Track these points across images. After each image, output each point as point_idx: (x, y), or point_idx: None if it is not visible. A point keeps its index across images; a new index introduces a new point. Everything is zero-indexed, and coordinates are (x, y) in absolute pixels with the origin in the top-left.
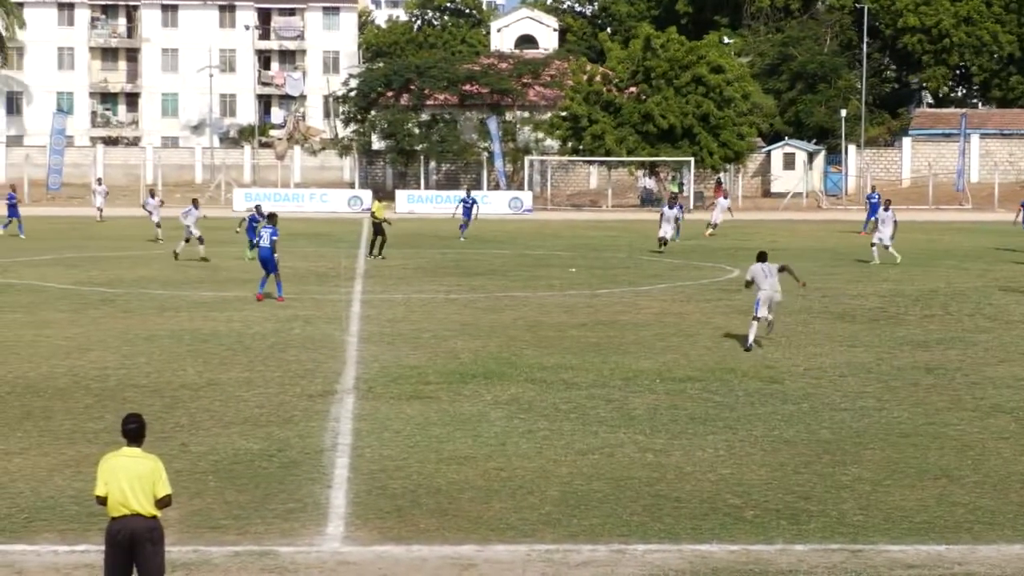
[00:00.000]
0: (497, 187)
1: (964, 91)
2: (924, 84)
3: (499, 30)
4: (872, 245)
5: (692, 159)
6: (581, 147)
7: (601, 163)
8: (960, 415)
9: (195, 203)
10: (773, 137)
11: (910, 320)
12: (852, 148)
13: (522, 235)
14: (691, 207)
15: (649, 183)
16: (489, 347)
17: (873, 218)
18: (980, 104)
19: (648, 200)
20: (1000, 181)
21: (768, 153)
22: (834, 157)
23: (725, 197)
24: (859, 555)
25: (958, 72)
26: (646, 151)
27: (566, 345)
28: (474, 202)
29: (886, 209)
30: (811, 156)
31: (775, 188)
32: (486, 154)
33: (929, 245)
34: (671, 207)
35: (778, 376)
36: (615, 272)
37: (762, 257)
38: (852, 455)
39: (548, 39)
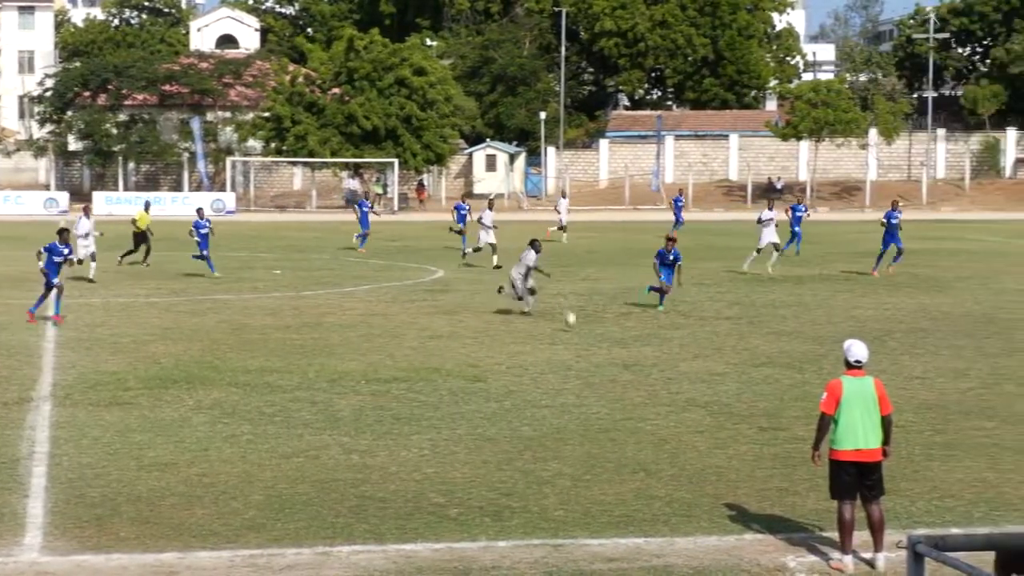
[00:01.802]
0: (199, 188)
1: (659, 93)
2: (621, 87)
3: (199, 29)
4: (777, 251)
5: (396, 160)
6: (284, 148)
7: (304, 164)
8: (657, 410)
9: None
10: (475, 139)
11: (608, 318)
12: (552, 150)
13: (225, 237)
14: (395, 208)
15: (353, 184)
16: (191, 351)
17: (796, 229)
18: (675, 106)
19: (352, 201)
20: (694, 181)
21: (470, 155)
22: (534, 159)
23: (564, 196)
24: (560, 549)
25: (653, 75)
26: (350, 152)
27: (270, 348)
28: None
29: (770, 208)
30: (512, 158)
31: (478, 189)
32: (187, 155)
33: (627, 244)
34: (491, 209)
35: (481, 374)
36: (320, 274)
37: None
38: (553, 451)
39: (249, 39)
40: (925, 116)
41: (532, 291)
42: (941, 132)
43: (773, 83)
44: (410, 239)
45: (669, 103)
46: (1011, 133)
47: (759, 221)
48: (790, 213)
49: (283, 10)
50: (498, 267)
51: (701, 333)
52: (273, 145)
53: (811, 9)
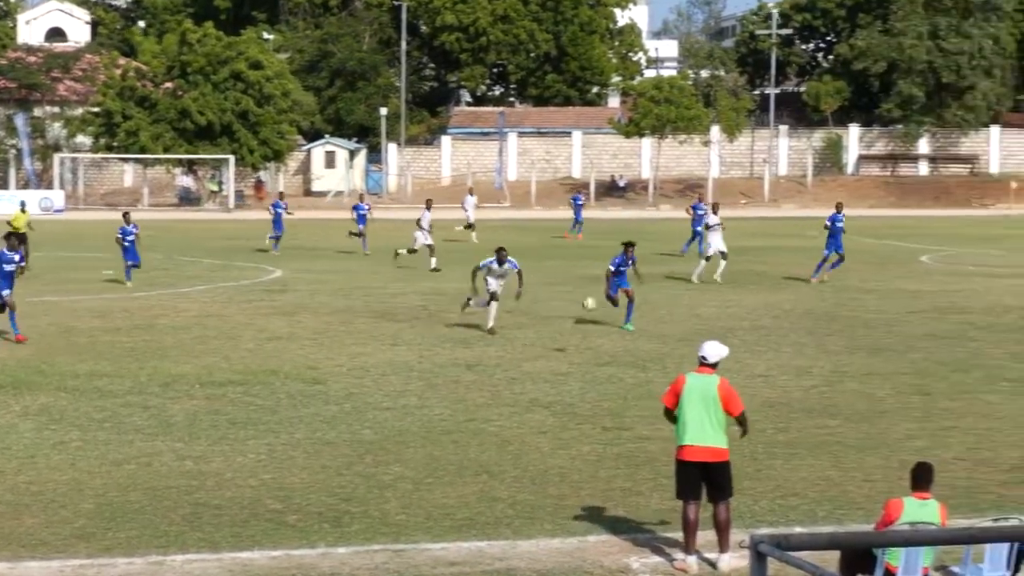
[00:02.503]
0: (26, 186)
1: (502, 89)
2: (463, 82)
3: (27, 23)
4: (706, 258)
5: (232, 157)
6: (115, 144)
7: (136, 161)
8: (500, 411)
9: None
10: (314, 135)
11: (451, 317)
12: (393, 146)
13: (53, 236)
14: (231, 206)
15: (187, 181)
16: (18, 355)
17: (701, 227)
18: (518, 103)
19: (186, 199)
20: (537, 179)
21: (309, 151)
22: (375, 155)
23: (471, 194)
24: (401, 555)
25: (496, 70)
26: (183, 148)
27: (100, 351)
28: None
29: (715, 212)
30: (352, 154)
31: (317, 187)
32: (14, 152)
33: (471, 244)
34: (428, 210)
35: (321, 377)
36: (153, 274)
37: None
38: (394, 454)
39: (79, 32)
40: (768, 113)
41: (494, 296)
42: (784, 129)
43: (616, 79)
44: (247, 238)
45: (512, 99)
46: (853, 130)
47: (707, 227)
48: (691, 212)
49: (114, 2)
50: (436, 270)
51: (545, 332)
52: (103, 141)
53: (653, 5)
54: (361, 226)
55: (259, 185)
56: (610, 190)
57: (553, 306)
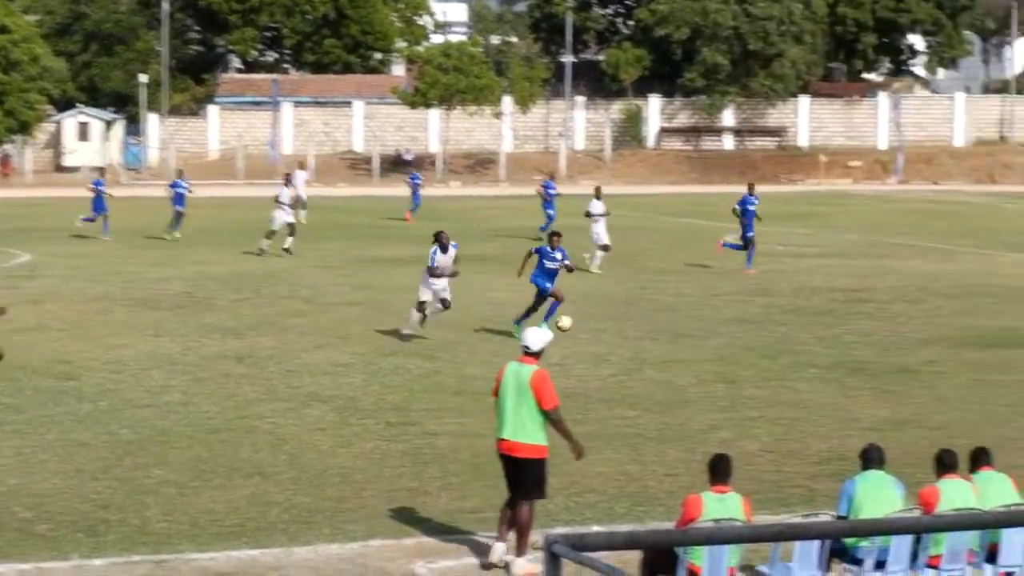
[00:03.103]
0: None
1: (276, 55)
2: (232, 47)
3: None
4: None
5: None
6: None
7: None
8: (274, 406)
9: None
10: (65, 104)
11: (220, 305)
12: (154, 117)
13: None
14: None
15: None
16: None
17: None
18: (293, 69)
19: None
20: (315, 152)
21: (60, 122)
22: (134, 127)
23: (302, 168)
24: (164, 566)
25: (268, 34)
26: None
27: None
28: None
29: (598, 198)
30: (109, 125)
31: (69, 161)
32: None
33: (243, 223)
34: (287, 186)
35: (74, 372)
36: None
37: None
38: (156, 456)
39: None
40: (564, 83)
41: (445, 303)
42: (581, 100)
43: (400, 45)
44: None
45: (286, 66)
46: (654, 101)
47: (587, 215)
48: (542, 191)
49: None
50: (287, 250)
51: (324, 320)
52: None
53: None
54: (179, 207)
55: (5, 160)
56: (395, 165)
57: (333, 292)
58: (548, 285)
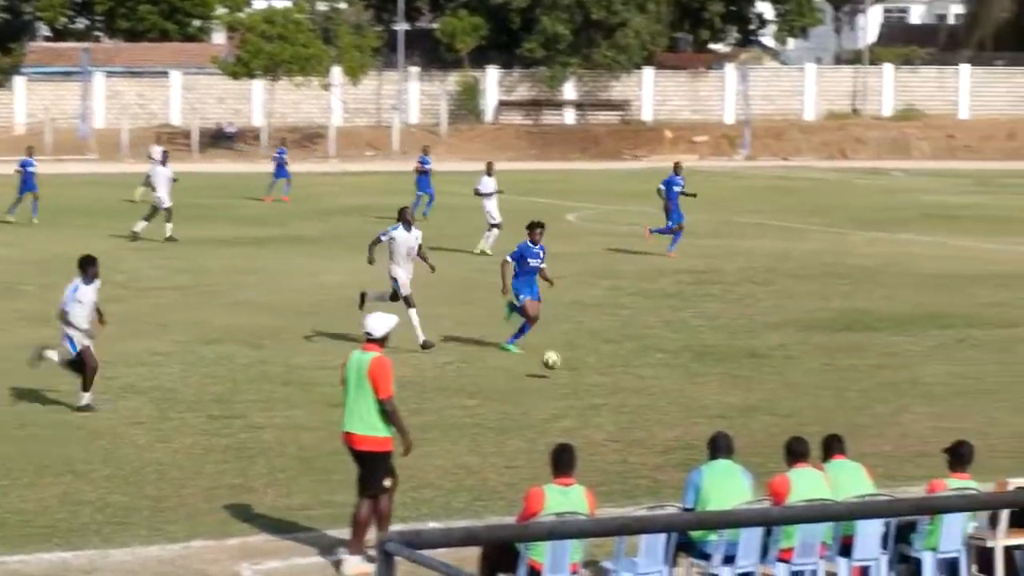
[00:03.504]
0: None
1: (87, 22)
2: (39, 13)
3: None
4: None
5: None
6: None
7: None
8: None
9: None
10: None
11: (26, 291)
12: None
13: None
14: None
15: None
16: None
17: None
18: (105, 37)
19: None
20: (130, 126)
21: None
22: None
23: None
24: None
25: (79, 0)
26: None
27: None
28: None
29: (489, 174)
30: None
31: None
32: None
33: (51, 202)
34: (164, 164)
35: None
36: None
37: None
38: None
39: None
40: (397, 52)
41: (394, 298)
42: (414, 71)
43: (221, 12)
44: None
45: (98, 34)
46: (492, 72)
47: (477, 193)
48: (419, 166)
49: None
50: (172, 239)
51: (142, 307)
52: None
53: None
54: (30, 189)
55: None
56: (216, 139)
57: (151, 276)
58: (533, 294)
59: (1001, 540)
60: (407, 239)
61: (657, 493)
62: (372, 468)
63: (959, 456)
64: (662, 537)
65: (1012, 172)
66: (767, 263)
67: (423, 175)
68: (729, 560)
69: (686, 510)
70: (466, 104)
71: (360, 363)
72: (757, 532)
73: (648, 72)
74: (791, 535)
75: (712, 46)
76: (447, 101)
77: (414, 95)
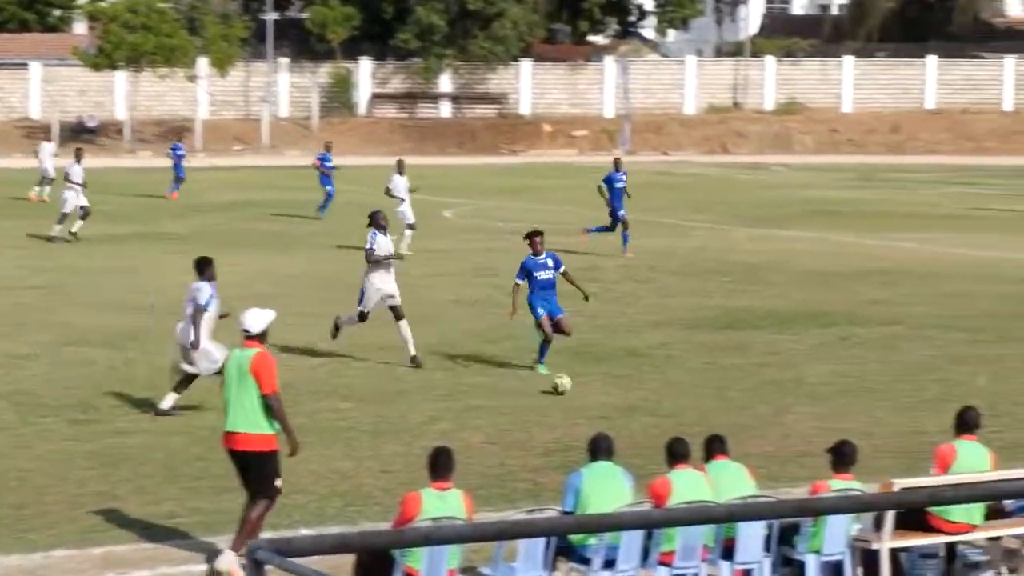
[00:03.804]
0: None
1: None
2: None
3: None
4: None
5: None
6: None
7: None
8: None
9: None
10: None
11: None
12: None
13: None
14: None
15: None
16: None
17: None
18: None
19: None
20: None
21: None
22: None
23: (48, 141)
24: None
25: None
26: None
27: None
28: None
29: (401, 174)
30: None
31: None
32: None
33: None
34: (79, 162)
35: None
36: None
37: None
38: None
39: None
40: (266, 43)
41: (396, 312)
42: (284, 62)
43: (82, 1)
44: None
45: None
46: (365, 64)
47: (388, 193)
48: (319, 164)
49: None
50: (74, 235)
51: (0, 307)
52: None
53: None
54: None
55: None
56: (77, 133)
57: (11, 275)
58: (551, 308)
59: (886, 542)
60: (387, 244)
61: (537, 496)
62: (260, 469)
63: (842, 456)
64: (541, 542)
65: (895, 166)
66: (649, 261)
67: (325, 175)
68: (609, 564)
69: (566, 513)
70: (338, 97)
71: (241, 360)
72: (638, 535)
73: (526, 64)
74: (672, 538)
75: (591, 38)
76: (318, 93)
77: (284, 87)
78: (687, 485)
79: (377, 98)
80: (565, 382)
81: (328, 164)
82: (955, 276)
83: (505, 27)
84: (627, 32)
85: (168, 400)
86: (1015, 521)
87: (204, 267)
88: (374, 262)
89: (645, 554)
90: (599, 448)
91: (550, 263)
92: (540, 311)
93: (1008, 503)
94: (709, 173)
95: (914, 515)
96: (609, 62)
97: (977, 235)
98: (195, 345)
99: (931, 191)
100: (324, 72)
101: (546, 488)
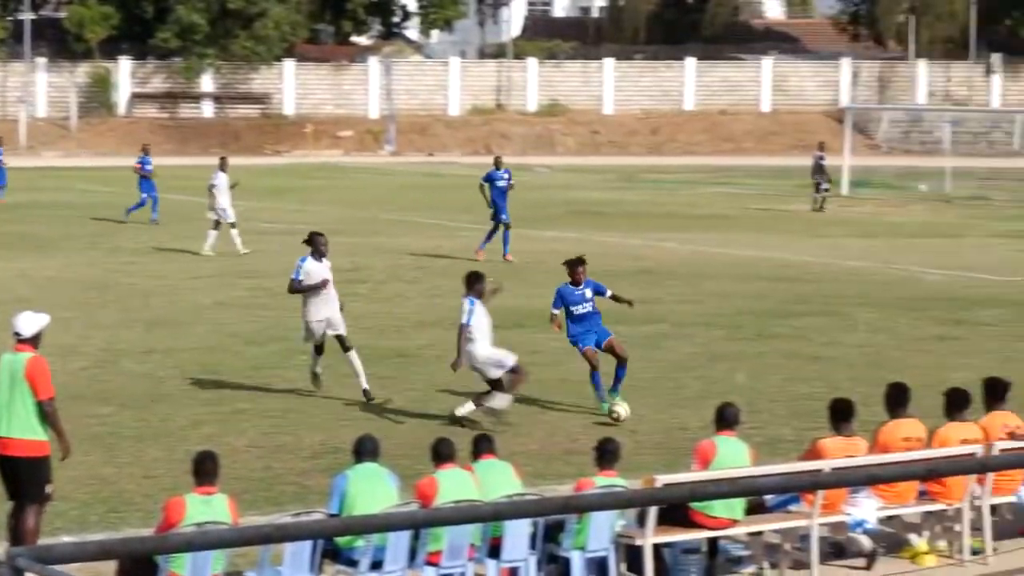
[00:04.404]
0: None
1: None
2: None
3: None
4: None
5: None
6: None
7: None
8: None
9: None
10: None
11: None
12: None
13: None
14: None
15: None
16: None
17: None
18: None
19: None
20: None
21: None
22: None
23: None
24: None
25: None
26: None
27: None
28: None
29: (223, 169)
30: None
31: None
32: None
33: None
34: None
35: None
36: None
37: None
38: None
39: None
40: (23, 43)
41: (343, 343)
42: (41, 61)
43: None
44: None
45: None
46: (125, 63)
47: (211, 189)
48: (139, 168)
49: None
50: None
51: None
52: None
53: None
54: None
55: None
56: None
57: None
58: (598, 335)
59: (650, 538)
60: (319, 271)
61: (304, 499)
62: (32, 474)
63: (606, 454)
64: (308, 544)
65: (655, 167)
66: (416, 261)
67: (145, 178)
68: (377, 565)
69: (332, 516)
70: (97, 96)
71: (14, 365)
72: (405, 536)
73: (289, 64)
74: (439, 538)
75: (355, 38)
76: (77, 93)
77: (42, 87)
78: (453, 484)
79: (137, 98)
80: (621, 410)
81: (148, 167)
82: (715, 275)
83: (267, 27)
84: (391, 33)
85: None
86: (775, 516)
87: (474, 282)
88: (302, 291)
89: (412, 554)
90: (365, 449)
91: (589, 293)
92: (584, 343)
93: (768, 498)
94: (474, 174)
95: (677, 511)
96: (373, 63)
97: (735, 234)
98: None
99: (691, 191)
100: (82, 72)
101: (313, 491)
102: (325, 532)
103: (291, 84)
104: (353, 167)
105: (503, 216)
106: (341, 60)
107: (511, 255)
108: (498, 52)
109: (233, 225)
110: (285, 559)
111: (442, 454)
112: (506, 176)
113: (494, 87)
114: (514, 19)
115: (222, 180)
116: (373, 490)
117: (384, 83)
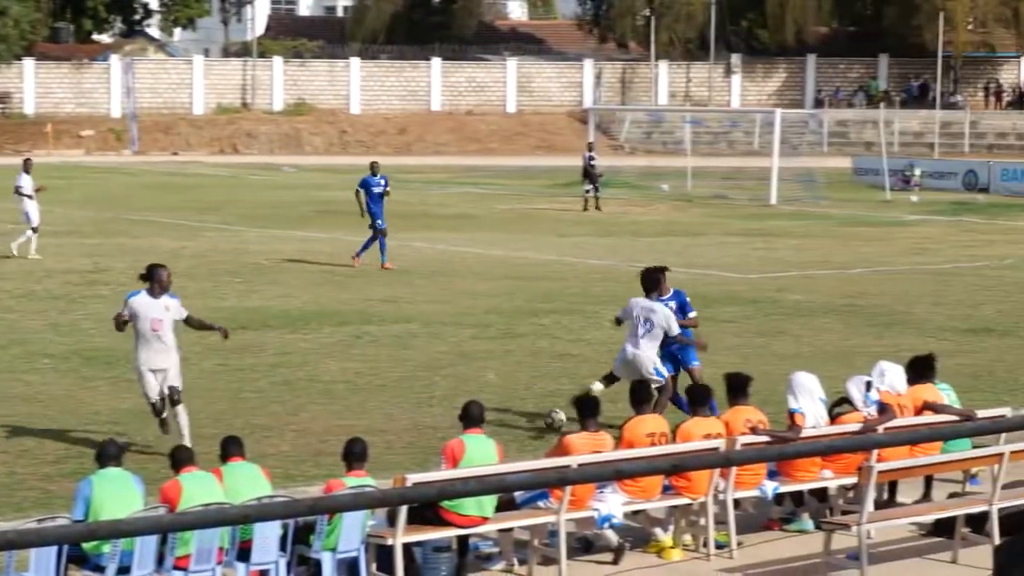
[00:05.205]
0: None
1: None
2: None
3: None
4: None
5: None
6: None
7: None
8: None
9: None
10: None
11: None
12: None
13: None
14: None
15: None
16: None
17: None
18: None
19: None
20: None
21: None
22: None
23: None
24: None
25: None
26: None
27: None
28: None
29: (27, 171)
30: None
31: None
32: None
33: None
34: None
35: None
36: None
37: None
38: None
39: None
40: None
41: (173, 395)
42: None
43: None
44: None
45: None
46: None
47: (18, 192)
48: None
49: None
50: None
51: None
52: None
53: None
54: None
55: None
56: None
57: None
58: (684, 357)
59: (399, 537)
60: (152, 308)
61: (48, 505)
62: None
63: (354, 454)
64: (53, 550)
65: (403, 167)
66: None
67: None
68: (124, 571)
69: (77, 521)
70: None
71: None
72: (152, 540)
73: (28, 63)
74: (187, 542)
75: (96, 36)
76: None
77: None
78: (199, 487)
79: None
80: (558, 416)
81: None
82: (463, 274)
83: (7, 25)
84: (133, 31)
85: None
86: (524, 513)
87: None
88: (132, 330)
89: (160, 559)
90: (108, 454)
91: (672, 308)
92: (662, 375)
93: (517, 495)
94: (219, 174)
95: (427, 510)
96: (115, 61)
97: (482, 234)
98: None
99: (438, 191)
100: None
101: (57, 496)
102: (70, 537)
103: (31, 83)
104: (95, 167)
105: (379, 223)
106: (82, 59)
107: (389, 263)
108: (242, 51)
109: (34, 230)
110: (30, 566)
111: (180, 460)
112: (382, 182)
113: (239, 86)
114: (258, 18)
115: (27, 182)
116: (118, 494)
117: (125, 81)
